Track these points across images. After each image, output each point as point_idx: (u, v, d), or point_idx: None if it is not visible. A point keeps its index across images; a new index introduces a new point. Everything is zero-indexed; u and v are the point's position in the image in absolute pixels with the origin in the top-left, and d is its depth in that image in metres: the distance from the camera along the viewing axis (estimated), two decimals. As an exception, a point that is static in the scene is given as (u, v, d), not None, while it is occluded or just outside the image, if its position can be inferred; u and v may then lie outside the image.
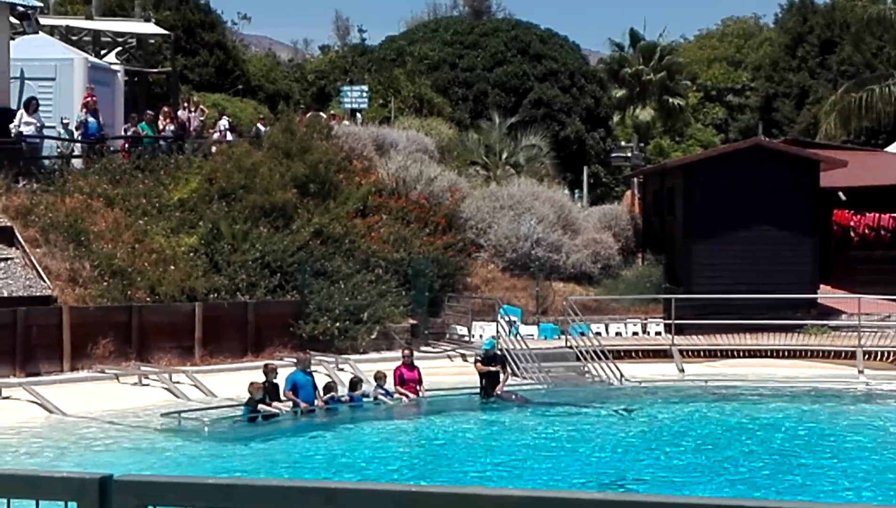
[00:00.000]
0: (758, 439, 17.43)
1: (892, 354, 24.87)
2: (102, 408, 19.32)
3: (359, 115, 37.09)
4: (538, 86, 50.53)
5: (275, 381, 19.10)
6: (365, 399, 20.28)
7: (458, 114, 47.18)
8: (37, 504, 3.23)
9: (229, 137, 30.43)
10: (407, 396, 20.64)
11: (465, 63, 50.95)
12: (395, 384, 20.72)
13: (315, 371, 20.57)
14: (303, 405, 19.14)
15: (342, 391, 20.18)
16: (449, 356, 24.57)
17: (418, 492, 2.88)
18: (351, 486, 2.96)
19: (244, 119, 38.77)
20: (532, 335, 26.10)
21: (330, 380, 20.59)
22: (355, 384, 20.45)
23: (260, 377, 19.12)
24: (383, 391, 20.39)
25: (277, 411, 18.80)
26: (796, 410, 20.15)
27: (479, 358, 21.43)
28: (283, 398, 19.08)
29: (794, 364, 24.67)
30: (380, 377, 20.47)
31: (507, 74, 50.53)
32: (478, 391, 21.04)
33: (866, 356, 24.52)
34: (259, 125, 32.04)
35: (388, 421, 19.34)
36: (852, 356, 24.58)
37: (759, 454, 16.15)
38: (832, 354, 25.10)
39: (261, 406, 18.58)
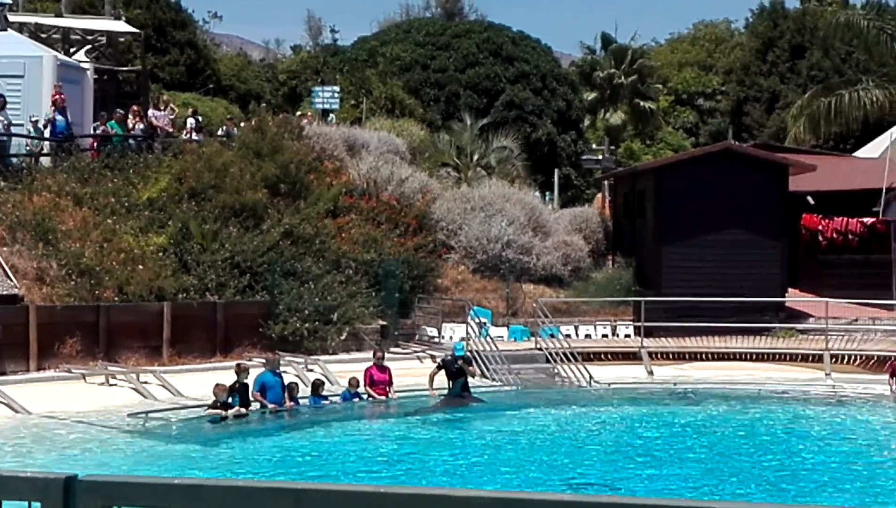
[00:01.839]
0: (720, 441, 17.51)
1: (858, 357, 25.07)
2: (69, 408, 19.18)
3: (332, 115, 36.97)
4: (510, 88, 50.58)
5: (245, 381, 19.01)
6: (332, 399, 20.21)
7: (430, 115, 47.16)
8: (0, 504, 3.19)
9: (195, 136, 30.23)
10: (375, 397, 20.61)
11: (437, 64, 50.93)
12: (366, 385, 20.69)
13: (284, 372, 20.50)
14: (270, 405, 19.08)
15: (304, 391, 20.10)
16: (419, 358, 24.55)
17: (386, 493, 2.87)
18: (319, 487, 2.93)
19: (215, 119, 38.60)
20: (502, 337, 26.13)
21: (292, 382, 20.45)
22: (317, 386, 20.38)
23: (227, 378, 19.02)
24: (353, 393, 20.32)
25: (245, 412, 18.68)
26: (761, 412, 20.25)
27: (441, 363, 21.34)
28: (251, 398, 19.00)
29: (763, 367, 24.82)
30: (353, 383, 20.44)
31: (478, 76, 50.56)
32: (447, 391, 21.01)
33: (833, 360, 24.72)
34: (226, 126, 31.79)
35: (357, 422, 19.29)
36: (820, 359, 24.76)
37: (713, 455, 16.22)
38: (800, 357, 25.28)
39: (209, 411, 18.44)
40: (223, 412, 18.44)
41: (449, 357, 21.36)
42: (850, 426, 19.02)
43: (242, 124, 31.82)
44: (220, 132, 31.51)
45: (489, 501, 2.79)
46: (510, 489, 12.52)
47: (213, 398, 18.52)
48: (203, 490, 3.02)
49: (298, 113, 35.40)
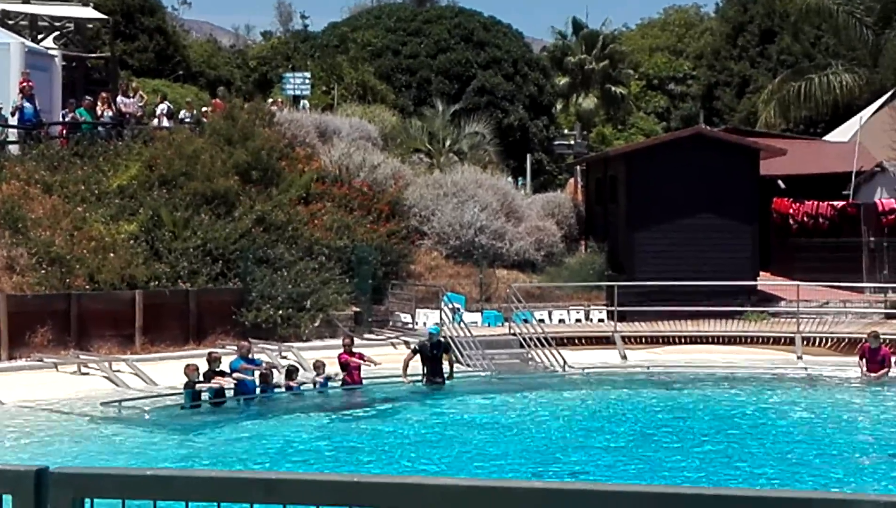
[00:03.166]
0: (694, 423, 17.61)
1: (830, 340, 25.26)
2: (41, 397, 19.07)
3: (305, 102, 36.82)
4: (481, 73, 50.56)
5: (217, 369, 18.94)
6: (304, 387, 20.17)
7: (402, 101, 47.08)
8: (-29, 497, 3.16)
9: (165, 122, 30.00)
10: (349, 382, 20.58)
11: (408, 50, 50.83)
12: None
13: (257, 358, 20.45)
14: (248, 378, 19.04)
15: (278, 378, 20.04)
16: (393, 344, 24.53)
17: (360, 482, 2.86)
18: (292, 476, 2.92)
19: (185, 106, 38.34)
20: (476, 323, 26.15)
21: (291, 365, 20.48)
22: (291, 372, 20.32)
23: (200, 366, 18.94)
24: (323, 379, 20.28)
25: (218, 385, 18.62)
26: (733, 394, 20.38)
27: (416, 348, 21.37)
28: (231, 378, 18.94)
29: (735, 350, 24.97)
30: (318, 366, 20.37)
31: (450, 62, 50.51)
32: (420, 378, 21.02)
33: (805, 342, 24.90)
34: (184, 112, 31.18)
35: (331, 409, 19.26)
36: (791, 342, 24.93)
37: (695, 439, 16.32)
38: (771, 340, 25.43)
39: (198, 386, 18.41)
40: (201, 387, 18.35)
41: (424, 342, 21.37)
42: (821, 407, 19.16)
43: (205, 109, 31.51)
44: (181, 116, 30.94)
45: (464, 489, 2.79)
46: (481, 477, 12.56)
47: (186, 380, 18.45)
48: (174, 481, 3.01)
49: (270, 100, 35.20)
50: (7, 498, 3.07)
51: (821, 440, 16.11)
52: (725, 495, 2.64)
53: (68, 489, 3.01)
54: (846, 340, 24.85)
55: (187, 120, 30.28)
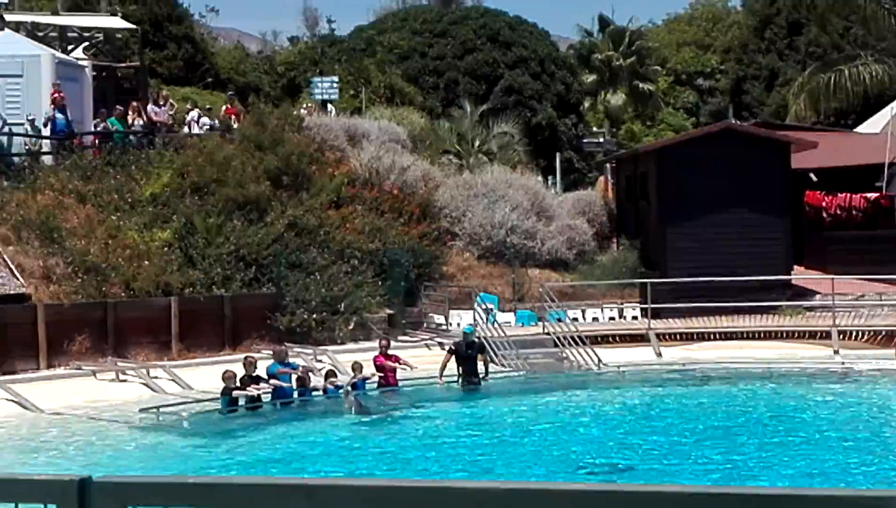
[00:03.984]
0: (732, 420, 17.53)
1: (866, 333, 25.05)
2: (80, 405, 19.25)
3: (331, 106, 36.90)
4: (508, 73, 50.49)
5: (254, 374, 19.04)
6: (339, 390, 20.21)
7: (430, 103, 47.10)
8: (16, 507, 3.20)
9: (196, 129, 29.99)
10: (385, 384, 20.60)
11: (434, 52, 50.84)
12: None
13: (293, 362, 20.53)
14: (286, 384, 19.11)
15: (315, 381, 20.08)
16: (427, 345, 24.56)
17: (398, 487, 2.88)
18: (331, 482, 2.95)
19: (215, 113, 38.48)
20: (509, 323, 26.14)
21: (330, 369, 20.56)
22: (329, 374, 20.37)
23: (236, 371, 19.04)
24: (360, 381, 20.24)
25: (256, 392, 18.73)
26: (771, 391, 20.27)
27: (452, 348, 21.38)
28: (268, 384, 19.04)
29: (770, 346, 24.81)
30: (356, 368, 20.38)
31: (477, 62, 50.47)
32: (456, 379, 21.03)
33: (841, 336, 24.70)
34: (195, 113, 30.86)
35: (367, 412, 19.29)
36: (827, 336, 24.74)
37: (735, 435, 16.24)
38: (807, 334, 25.25)
39: (235, 393, 18.51)
40: (238, 394, 18.45)
41: (459, 342, 21.38)
42: (860, 402, 19.03)
43: (223, 113, 31.50)
44: (201, 122, 30.73)
45: (502, 492, 2.80)
46: (522, 479, 12.58)
47: (224, 386, 18.55)
48: (216, 489, 3.04)
49: (303, 108, 35.25)
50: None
51: (860, 435, 16.00)
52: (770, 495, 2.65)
53: (112, 498, 3.04)
54: (883, 333, 24.65)
55: (206, 126, 30.25)
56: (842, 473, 13.24)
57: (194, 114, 30.79)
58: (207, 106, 33.02)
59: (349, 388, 19.45)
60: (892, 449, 15.04)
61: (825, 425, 17.02)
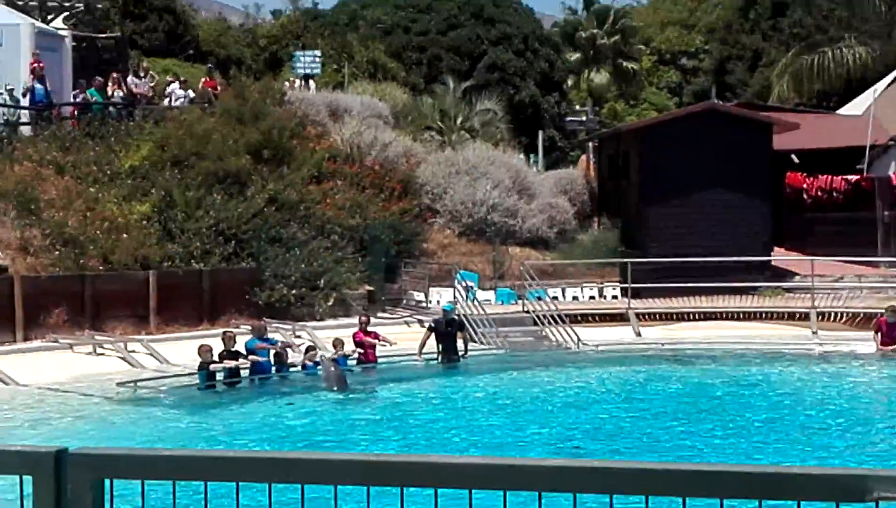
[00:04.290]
0: (710, 400, 17.60)
1: (844, 315, 25.18)
2: (57, 378, 19.16)
3: (312, 81, 36.72)
4: (492, 50, 50.39)
5: (233, 349, 18.99)
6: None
7: (413, 78, 46.97)
8: (-9, 479, 3.16)
9: (178, 96, 29.70)
10: (364, 360, 20.60)
11: (418, 27, 50.68)
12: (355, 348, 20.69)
13: (272, 337, 20.50)
14: (263, 359, 19.06)
15: (293, 357, 20.03)
16: (406, 322, 24.56)
17: (379, 461, 2.85)
18: (311, 455, 2.92)
19: (194, 85, 38.23)
20: (489, 301, 26.16)
21: (310, 345, 20.49)
22: (309, 349, 20.33)
23: (215, 346, 18.98)
24: (340, 357, 20.22)
25: (233, 365, 18.67)
26: (748, 370, 20.36)
27: (432, 325, 21.39)
28: (246, 359, 18.99)
29: (749, 326, 24.92)
30: (337, 345, 20.35)
31: (460, 38, 50.35)
32: (435, 356, 21.05)
33: (820, 318, 24.82)
34: (179, 89, 30.34)
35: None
36: (806, 317, 24.87)
37: (710, 415, 16.31)
38: (786, 315, 25.37)
39: (212, 366, 18.45)
40: (215, 367, 18.39)
41: (439, 319, 21.38)
42: (837, 382, 19.13)
43: (201, 85, 31.21)
44: (176, 93, 30.25)
45: (481, 468, 2.78)
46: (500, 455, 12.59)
47: (201, 360, 18.50)
48: (194, 462, 3.00)
49: (286, 82, 35.04)
50: (27, 479, 3.07)
51: (834, 415, 16.08)
52: (748, 472, 2.63)
53: (88, 470, 3.01)
54: (861, 315, 24.78)
55: (180, 98, 29.80)
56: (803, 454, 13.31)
57: (175, 86, 30.54)
58: (182, 78, 32.55)
59: (332, 362, 19.33)
60: (870, 431, 15.12)
61: (794, 405, 17.12)
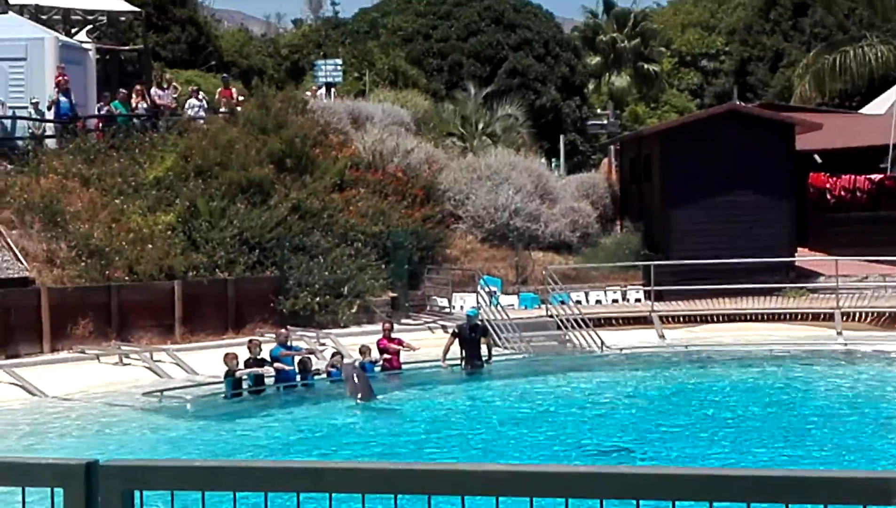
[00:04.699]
0: (735, 402, 17.54)
1: (869, 315, 25.05)
2: (84, 389, 19.29)
3: (332, 90, 36.81)
4: (513, 55, 50.36)
5: (259, 357, 19.04)
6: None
7: (434, 85, 46.99)
8: (23, 491, 3.21)
9: (191, 105, 29.77)
10: (388, 367, 20.64)
11: (438, 34, 50.71)
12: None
13: (296, 345, 20.56)
14: (289, 367, 19.11)
15: (318, 364, 20.04)
16: (430, 328, 24.59)
17: (405, 470, 2.88)
18: (338, 465, 2.95)
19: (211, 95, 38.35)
20: (512, 305, 26.14)
21: (337, 352, 20.42)
22: (335, 355, 20.34)
23: (240, 354, 19.04)
24: (367, 363, 20.23)
25: (260, 372, 18.72)
26: (775, 372, 20.28)
27: (455, 330, 21.38)
28: (272, 368, 19.04)
29: (774, 327, 24.82)
30: (364, 352, 20.35)
31: (481, 44, 50.33)
32: (459, 362, 21.04)
33: (844, 318, 24.69)
34: (193, 99, 30.21)
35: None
36: (830, 317, 24.74)
37: (737, 416, 16.25)
38: (811, 316, 25.25)
39: (238, 373, 18.47)
40: (241, 373, 18.43)
41: (463, 325, 21.38)
42: (863, 382, 19.04)
43: (218, 95, 31.25)
44: (188, 104, 30.20)
45: (507, 475, 2.81)
46: (527, 462, 12.59)
47: (226, 368, 18.56)
48: (223, 472, 3.04)
49: (307, 91, 35.10)
50: (58, 492, 3.12)
51: (863, 417, 16.01)
52: (765, 476, 2.65)
53: (118, 481, 3.05)
54: (886, 314, 24.65)
55: (195, 108, 29.77)
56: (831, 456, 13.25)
57: (192, 101, 30.36)
58: (194, 87, 32.44)
59: (355, 370, 19.28)
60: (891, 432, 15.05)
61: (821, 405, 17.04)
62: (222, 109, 30.07)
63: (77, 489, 3.06)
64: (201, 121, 29.21)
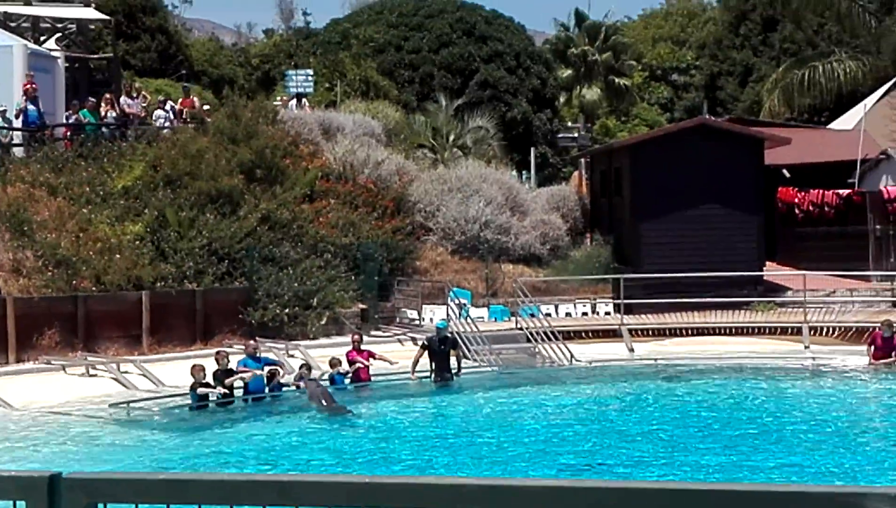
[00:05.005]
0: (702, 416, 17.59)
1: (837, 329, 25.22)
2: (50, 400, 19.10)
3: (304, 100, 36.76)
4: (484, 67, 50.49)
5: (227, 368, 18.93)
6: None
7: (405, 96, 47.03)
8: (-16, 504, 3.16)
9: (157, 117, 29.56)
10: (357, 379, 20.57)
11: (410, 45, 50.77)
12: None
13: (264, 356, 20.45)
14: (259, 371, 19.01)
15: (287, 377, 19.94)
16: (399, 341, 24.54)
17: (372, 483, 2.85)
18: (304, 478, 2.92)
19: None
20: (482, 318, 26.14)
21: (304, 364, 20.30)
22: (303, 367, 20.24)
23: (208, 366, 18.92)
24: (334, 375, 20.17)
25: (222, 391, 18.59)
26: (741, 386, 20.36)
27: (425, 343, 21.33)
28: (238, 375, 18.92)
29: (742, 341, 24.93)
30: (334, 364, 20.28)
31: (452, 56, 50.44)
32: (428, 374, 21.00)
33: (812, 332, 24.86)
34: (159, 110, 29.88)
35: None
36: (798, 331, 24.90)
37: (707, 432, 16.30)
38: (779, 330, 25.41)
39: (200, 390, 18.32)
40: (210, 389, 18.32)
41: (433, 337, 21.33)
42: (830, 397, 19.14)
43: (179, 105, 31.06)
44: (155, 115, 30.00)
45: (478, 488, 2.78)
46: (496, 475, 12.57)
47: (192, 380, 18.43)
48: (187, 485, 3.00)
49: (277, 100, 35.01)
50: (21, 504, 3.07)
51: (831, 430, 16.09)
52: (738, 491, 2.64)
53: (81, 494, 3.01)
54: (853, 329, 24.82)
55: (160, 119, 29.55)
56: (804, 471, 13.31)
57: (159, 112, 30.13)
58: (161, 98, 32.11)
59: (319, 382, 19.22)
60: (864, 446, 15.13)
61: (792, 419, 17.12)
62: (184, 118, 29.82)
63: (40, 501, 3.01)
64: (167, 131, 28.99)
